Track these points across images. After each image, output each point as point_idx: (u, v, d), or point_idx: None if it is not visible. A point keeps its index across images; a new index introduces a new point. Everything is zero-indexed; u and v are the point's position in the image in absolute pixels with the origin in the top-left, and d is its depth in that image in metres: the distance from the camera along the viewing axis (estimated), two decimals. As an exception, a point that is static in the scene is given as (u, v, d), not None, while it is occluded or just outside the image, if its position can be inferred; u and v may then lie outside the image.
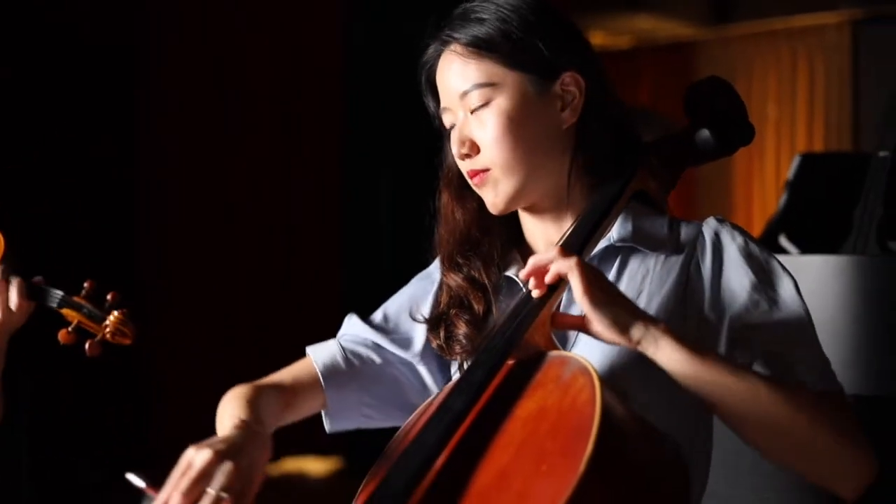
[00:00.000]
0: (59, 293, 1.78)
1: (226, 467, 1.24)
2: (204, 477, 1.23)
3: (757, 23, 7.53)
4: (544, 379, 1.31)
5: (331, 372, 1.57)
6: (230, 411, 1.42)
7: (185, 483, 1.22)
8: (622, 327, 1.29)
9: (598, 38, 8.00)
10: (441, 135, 1.57)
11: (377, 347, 1.60)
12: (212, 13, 5.26)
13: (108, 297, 1.78)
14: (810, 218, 2.72)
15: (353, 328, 1.63)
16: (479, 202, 1.53)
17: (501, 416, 1.29)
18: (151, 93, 5.02)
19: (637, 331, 1.30)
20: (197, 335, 5.11)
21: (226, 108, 5.34)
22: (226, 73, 5.34)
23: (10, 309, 1.76)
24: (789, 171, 2.73)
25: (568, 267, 1.30)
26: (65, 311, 1.78)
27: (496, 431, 1.27)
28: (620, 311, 1.30)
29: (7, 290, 1.76)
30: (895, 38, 6.93)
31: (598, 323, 1.30)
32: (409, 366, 1.60)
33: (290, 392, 1.54)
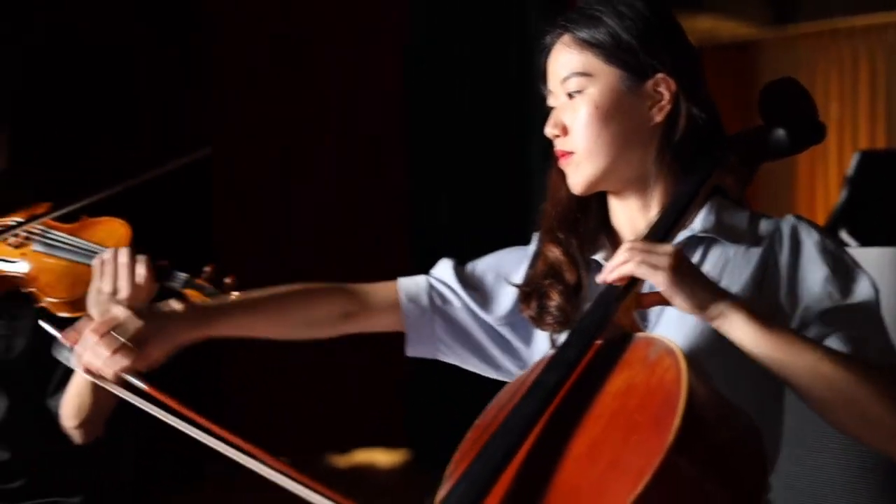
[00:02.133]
0: (183, 275, 1.91)
1: (135, 322, 1.49)
2: (115, 325, 1.49)
3: (818, 22, 7.55)
4: (632, 358, 1.41)
5: (412, 301, 1.72)
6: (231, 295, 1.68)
7: (96, 325, 1.49)
8: (701, 306, 1.40)
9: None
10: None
11: (458, 296, 1.74)
12: (280, 31, 5.44)
13: (227, 279, 1.91)
14: (869, 212, 2.78)
15: (443, 272, 1.76)
16: None
17: (592, 393, 1.40)
18: (228, 102, 5.21)
19: (714, 308, 1.40)
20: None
21: (294, 118, 5.51)
22: (293, 85, 5.50)
23: (137, 285, 1.89)
24: (849, 168, 2.80)
25: (648, 266, 1.41)
26: (188, 292, 1.90)
27: (587, 406, 1.38)
28: (698, 291, 1.40)
29: (134, 268, 1.89)
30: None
31: (678, 298, 1.40)
32: (484, 321, 1.73)
33: (358, 303, 1.71)
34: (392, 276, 5.82)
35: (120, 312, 1.51)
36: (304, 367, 5.36)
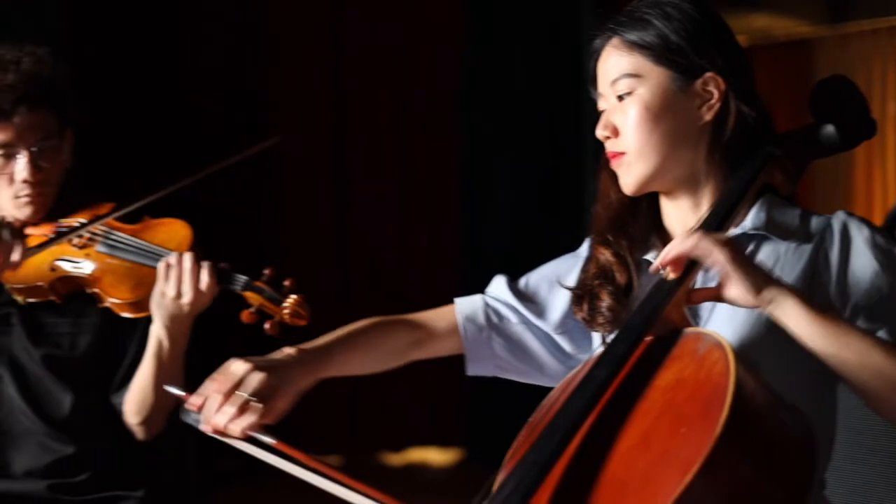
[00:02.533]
0: (243, 278, 1.95)
1: (258, 376, 1.47)
2: (238, 382, 1.47)
3: (875, 20, 7.47)
4: (681, 353, 1.43)
5: (470, 321, 1.76)
6: (323, 338, 1.64)
7: (219, 385, 1.46)
8: (755, 289, 1.41)
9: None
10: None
11: (515, 310, 1.77)
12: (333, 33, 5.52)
13: (286, 282, 1.95)
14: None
15: (497, 289, 1.80)
16: None
17: (642, 386, 1.42)
18: (282, 102, 5.28)
19: (768, 293, 1.41)
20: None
21: (348, 117, 5.58)
22: (348, 90, 5.58)
23: (200, 290, 1.94)
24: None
25: (705, 250, 1.42)
26: (247, 294, 1.95)
27: (637, 399, 1.40)
28: (753, 275, 1.42)
29: (199, 273, 1.94)
30: None
31: (733, 286, 1.42)
32: (542, 331, 1.76)
33: (424, 331, 1.74)
34: (443, 275, 5.89)
35: (239, 369, 1.50)
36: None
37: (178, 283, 1.92)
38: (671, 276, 1.47)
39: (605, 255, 1.68)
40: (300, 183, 5.41)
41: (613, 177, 1.68)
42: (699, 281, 1.57)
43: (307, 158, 5.38)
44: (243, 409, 1.47)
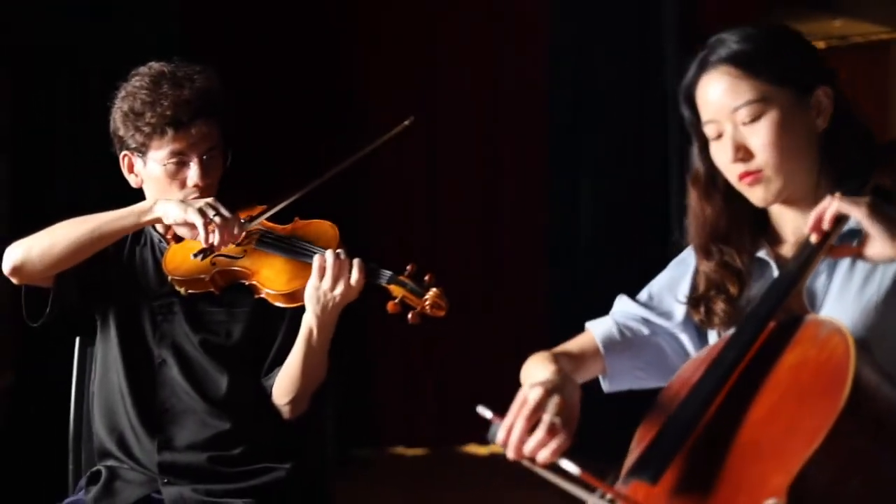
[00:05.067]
0: (388, 272, 2.14)
1: (555, 399, 1.58)
2: (539, 407, 1.56)
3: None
4: (803, 337, 1.60)
5: (608, 342, 1.91)
6: (539, 367, 1.74)
7: (525, 411, 1.56)
8: (894, 237, 1.56)
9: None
10: (690, 141, 1.87)
11: (644, 321, 1.93)
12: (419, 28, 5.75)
13: (426, 277, 2.13)
14: None
15: (623, 306, 1.96)
16: (725, 198, 1.82)
17: (768, 367, 1.59)
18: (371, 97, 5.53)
19: None
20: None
21: (434, 118, 5.78)
22: (435, 91, 5.79)
23: (350, 284, 2.14)
24: None
25: (851, 203, 1.60)
26: (391, 288, 2.13)
27: (764, 378, 1.58)
28: (892, 229, 1.57)
29: (350, 269, 2.15)
30: None
31: (875, 241, 1.58)
32: (672, 334, 1.92)
33: (577, 359, 1.87)
34: (530, 271, 6.02)
35: (536, 394, 1.56)
36: (445, 358, 5.62)
37: (333, 279, 2.12)
38: (814, 236, 1.64)
39: (711, 267, 1.84)
40: (391, 180, 5.62)
41: (706, 194, 1.84)
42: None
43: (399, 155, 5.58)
44: (552, 432, 1.52)
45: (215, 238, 2.16)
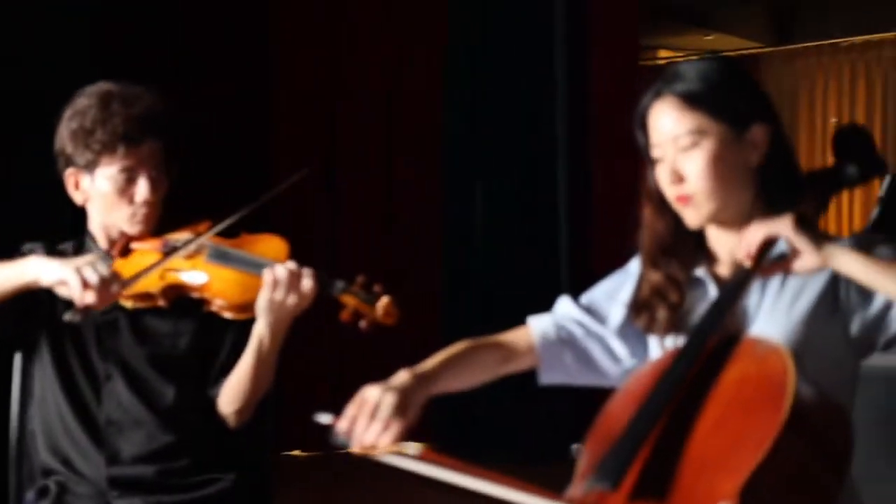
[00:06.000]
0: (340, 283, 2.22)
1: (390, 397, 1.76)
2: (376, 404, 1.76)
3: (819, 40, 7.95)
4: (742, 354, 1.76)
5: (543, 338, 2.06)
6: (429, 361, 1.93)
7: (365, 408, 1.75)
8: (819, 248, 1.76)
9: (667, 55, 8.45)
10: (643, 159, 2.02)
11: (580, 323, 2.07)
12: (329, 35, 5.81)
13: (376, 287, 2.22)
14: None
15: (563, 307, 2.10)
16: (675, 216, 1.97)
17: (711, 381, 1.74)
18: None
19: (828, 249, 1.76)
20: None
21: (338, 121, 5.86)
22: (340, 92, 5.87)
23: (303, 294, 2.21)
24: (881, 189, 3.14)
25: (776, 224, 1.78)
26: (344, 298, 2.21)
27: (708, 392, 1.73)
28: (815, 241, 1.77)
29: (302, 279, 2.22)
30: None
31: (800, 255, 1.77)
32: (604, 339, 2.07)
33: (508, 350, 2.04)
34: (425, 275, 6.15)
35: (373, 394, 1.77)
36: (341, 361, 5.69)
37: (286, 289, 2.20)
38: (748, 262, 1.81)
39: (657, 276, 2.00)
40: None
41: (659, 210, 1.99)
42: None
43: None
44: (386, 426, 1.75)
45: (91, 298, 2.15)
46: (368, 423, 1.75)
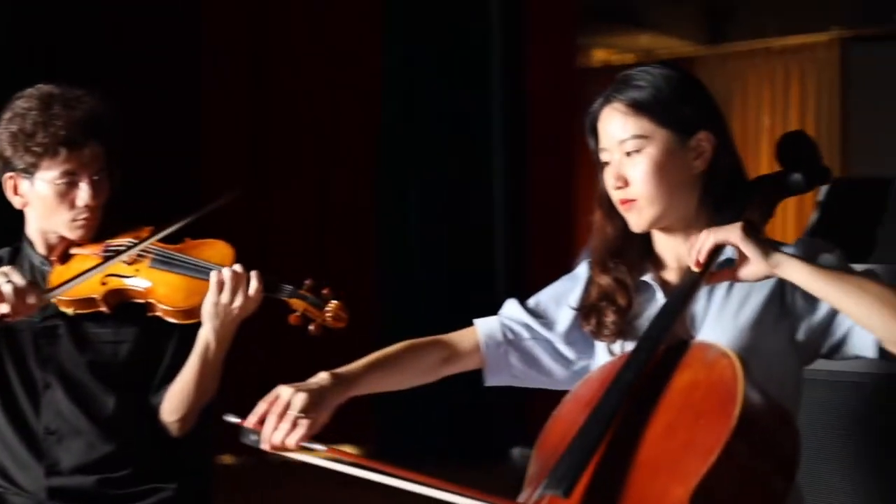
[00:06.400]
0: (289, 286, 2.20)
1: (301, 396, 1.77)
2: (287, 404, 1.76)
3: (752, 41, 8.06)
4: (691, 360, 1.77)
5: (489, 339, 2.06)
6: (356, 362, 1.93)
7: (275, 407, 1.77)
8: (766, 255, 1.77)
9: (602, 55, 8.51)
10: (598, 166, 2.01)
11: (527, 326, 2.07)
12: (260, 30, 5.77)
13: (324, 290, 2.21)
14: (840, 235, 3.15)
15: (510, 309, 2.10)
16: (625, 221, 1.98)
17: (661, 387, 1.75)
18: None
19: (774, 260, 1.78)
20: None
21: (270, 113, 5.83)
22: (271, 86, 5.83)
23: (250, 297, 2.18)
24: (819, 194, 3.18)
25: (724, 232, 1.79)
26: (292, 301, 2.19)
27: (659, 398, 1.73)
28: (762, 248, 1.78)
29: (248, 281, 2.19)
30: (881, 56, 7.51)
31: (751, 257, 1.77)
32: (550, 343, 2.07)
33: (451, 349, 2.04)
34: (359, 277, 6.14)
35: (286, 392, 1.78)
36: (268, 362, 5.65)
37: (232, 293, 2.17)
38: (696, 269, 1.83)
39: (606, 280, 2.00)
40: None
41: (609, 214, 2.00)
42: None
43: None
44: (295, 424, 1.76)
45: (4, 309, 2.12)
46: (277, 421, 1.76)
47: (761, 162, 7.91)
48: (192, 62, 5.60)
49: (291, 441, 1.76)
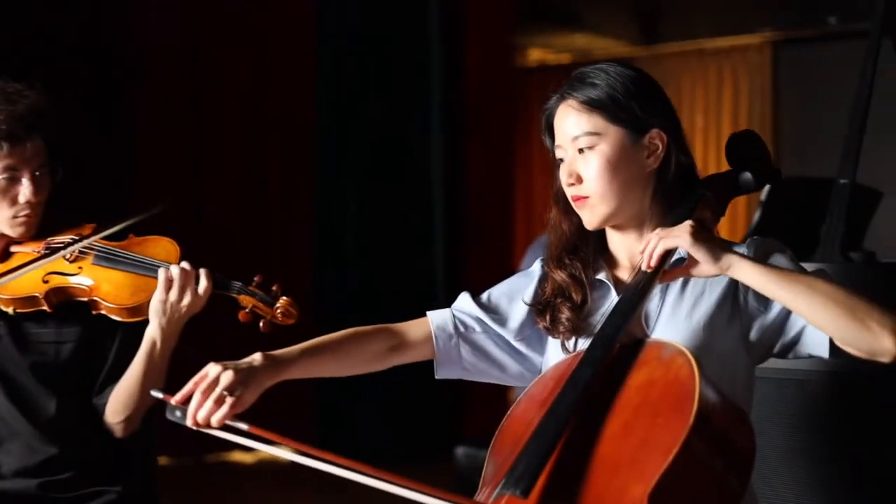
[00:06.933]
0: (238, 283, 2.17)
1: (228, 374, 1.76)
2: (214, 382, 1.76)
3: (686, 42, 8.15)
4: (647, 358, 1.77)
5: (441, 331, 2.05)
6: (295, 346, 1.90)
7: (202, 385, 1.76)
8: (715, 259, 1.77)
9: (538, 55, 8.55)
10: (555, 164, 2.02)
11: (479, 320, 2.06)
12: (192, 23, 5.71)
13: (274, 287, 2.18)
14: (781, 234, 3.21)
15: (463, 303, 2.09)
16: (580, 217, 1.98)
17: (617, 385, 1.75)
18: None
19: (726, 261, 1.78)
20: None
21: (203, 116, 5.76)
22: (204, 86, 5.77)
23: (198, 294, 2.15)
24: (762, 194, 3.22)
25: (674, 236, 1.79)
26: (241, 298, 2.17)
27: (616, 396, 1.73)
28: (713, 249, 1.78)
29: (196, 278, 2.16)
30: (811, 58, 7.64)
31: (698, 262, 1.78)
32: (502, 338, 2.06)
33: (400, 338, 2.02)
34: (299, 265, 6.16)
35: (213, 370, 1.77)
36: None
37: (181, 290, 2.14)
38: (649, 270, 1.82)
39: (562, 276, 2.00)
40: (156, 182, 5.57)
41: (565, 211, 2.01)
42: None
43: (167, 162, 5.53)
44: (219, 401, 1.75)
45: None
46: (203, 398, 1.75)
47: (695, 161, 8.01)
48: (124, 62, 5.52)
49: (215, 419, 1.75)
